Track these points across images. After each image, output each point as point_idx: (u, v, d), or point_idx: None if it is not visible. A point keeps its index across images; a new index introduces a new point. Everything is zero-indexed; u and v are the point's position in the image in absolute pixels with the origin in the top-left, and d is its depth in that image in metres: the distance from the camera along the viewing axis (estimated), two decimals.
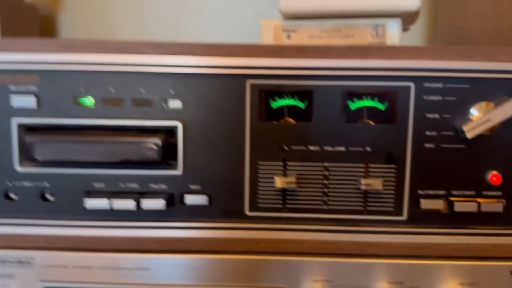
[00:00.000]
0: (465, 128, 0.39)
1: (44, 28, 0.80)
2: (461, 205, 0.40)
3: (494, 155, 0.40)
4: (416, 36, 0.81)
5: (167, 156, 0.39)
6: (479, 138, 0.39)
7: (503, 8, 0.52)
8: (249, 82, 0.39)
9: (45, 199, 0.41)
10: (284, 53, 0.39)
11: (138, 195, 0.40)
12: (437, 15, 0.75)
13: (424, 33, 0.80)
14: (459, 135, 0.40)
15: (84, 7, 0.81)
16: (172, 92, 0.40)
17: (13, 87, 0.40)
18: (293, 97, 0.40)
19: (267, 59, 0.39)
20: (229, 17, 0.81)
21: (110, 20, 0.81)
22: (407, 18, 0.42)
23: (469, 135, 0.39)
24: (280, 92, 0.40)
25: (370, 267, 0.41)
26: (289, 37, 0.42)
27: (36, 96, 0.40)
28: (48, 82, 0.39)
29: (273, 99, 0.40)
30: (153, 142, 0.38)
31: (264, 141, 0.40)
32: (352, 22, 0.41)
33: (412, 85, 0.39)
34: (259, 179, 0.41)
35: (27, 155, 0.40)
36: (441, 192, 0.41)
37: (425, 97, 0.39)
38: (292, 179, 0.40)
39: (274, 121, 0.40)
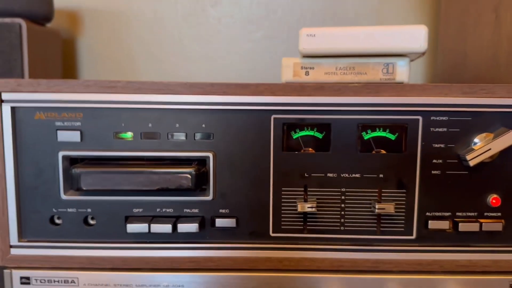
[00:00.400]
0: (468, 157, 0.43)
1: (65, 50, 0.84)
2: (464, 225, 0.45)
3: (494, 180, 0.45)
4: (419, 69, 0.85)
5: (199, 183, 0.44)
6: (480, 165, 0.44)
7: (500, 39, 0.57)
8: (273, 117, 0.44)
9: (88, 224, 0.45)
10: (304, 92, 0.43)
11: (173, 219, 0.44)
12: (437, 41, 0.80)
13: (427, 60, 0.85)
14: (462, 162, 0.44)
15: (102, 31, 0.85)
16: (204, 126, 0.44)
17: (59, 123, 0.44)
18: (312, 129, 0.44)
19: (290, 97, 0.43)
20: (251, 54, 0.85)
21: (126, 43, 0.85)
22: (414, 56, 0.46)
23: (472, 163, 0.43)
24: (301, 125, 0.44)
25: (383, 282, 0.45)
26: (307, 73, 0.46)
27: (80, 131, 0.44)
28: (91, 118, 0.44)
29: (295, 131, 0.44)
30: (187, 172, 0.43)
31: (286, 169, 0.45)
32: (365, 60, 0.45)
33: (420, 118, 0.44)
34: (282, 204, 0.45)
35: (71, 184, 0.44)
36: (447, 214, 0.45)
37: (432, 129, 0.44)
38: (312, 203, 0.44)
39: (295, 151, 0.44)
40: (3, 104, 0.43)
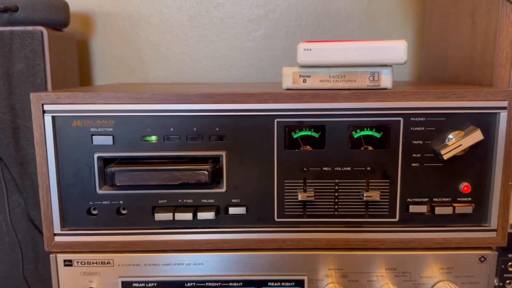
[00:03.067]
0: (442, 151, 0.51)
1: (80, 51, 0.91)
2: (440, 209, 0.53)
3: (465, 170, 0.52)
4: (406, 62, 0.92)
5: (214, 178, 0.51)
6: (453, 158, 0.51)
7: (476, 43, 0.64)
8: (276, 120, 0.51)
9: (120, 213, 0.53)
10: (303, 99, 0.50)
11: (193, 208, 0.52)
12: (423, 41, 0.87)
13: (413, 55, 0.92)
14: (438, 156, 0.52)
15: (114, 33, 0.92)
16: (217, 129, 0.51)
17: (94, 129, 0.51)
18: (310, 130, 0.52)
19: (290, 104, 0.50)
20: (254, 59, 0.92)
21: (136, 44, 0.92)
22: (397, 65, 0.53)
23: (445, 157, 0.51)
24: (300, 127, 0.52)
25: (371, 258, 0.54)
26: (304, 81, 0.54)
27: (112, 135, 0.51)
28: (121, 124, 0.51)
29: (295, 132, 0.52)
30: (205, 169, 0.50)
31: (288, 165, 0.52)
32: (354, 70, 0.52)
33: (401, 119, 0.51)
34: (285, 193, 0.53)
35: (106, 181, 0.51)
36: (425, 199, 0.53)
37: (412, 128, 0.51)
38: (310, 193, 0.52)
39: (296, 149, 0.52)
40: (45, 115, 0.50)
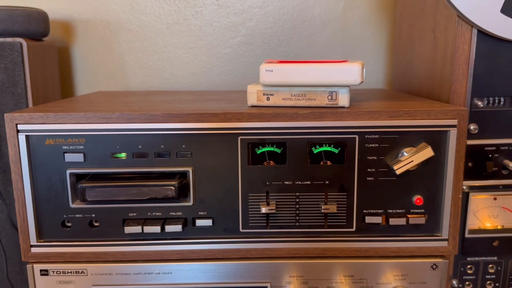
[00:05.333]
0: (395, 167, 0.54)
1: (61, 58, 0.93)
2: (394, 220, 0.56)
3: (417, 184, 0.56)
4: (379, 69, 0.95)
5: (181, 193, 0.54)
6: (407, 172, 0.55)
7: (436, 57, 0.67)
8: (240, 138, 0.54)
9: (93, 226, 0.56)
10: (264, 118, 0.53)
11: (162, 221, 0.55)
12: (393, 50, 0.89)
13: (386, 62, 0.95)
14: (391, 171, 0.55)
15: (94, 40, 0.94)
16: (184, 146, 0.54)
17: (65, 147, 0.54)
18: (272, 146, 0.55)
19: (252, 123, 0.53)
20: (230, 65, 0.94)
21: (116, 50, 0.94)
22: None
23: (398, 172, 0.54)
24: (263, 143, 0.55)
25: (330, 266, 0.57)
26: (268, 99, 0.56)
27: (83, 153, 0.54)
28: (91, 142, 0.54)
29: (258, 148, 0.55)
30: (171, 185, 0.53)
31: (252, 179, 0.55)
32: (314, 89, 0.55)
33: (356, 136, 0.54)
34: (249, 206, 0.56)
35: (78, 196, 0.54)
36: (380, 211, 0.56)
37: (366, 145, 0.55)
38: (273, 206, 0.55)
39: (259, 164, 0.55)
40: (19, 134, 0.53)
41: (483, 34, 0.60)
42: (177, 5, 0.92)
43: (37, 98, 0.78)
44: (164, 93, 0.82)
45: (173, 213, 0.56)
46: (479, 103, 0.62)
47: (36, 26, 0.80)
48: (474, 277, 0.70)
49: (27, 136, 0.53)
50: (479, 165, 0.63)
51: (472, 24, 0.59)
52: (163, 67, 0.95)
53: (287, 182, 0.56)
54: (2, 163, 0.76)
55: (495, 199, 0.67)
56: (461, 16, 0.59)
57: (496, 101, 0.62)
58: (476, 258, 0.69)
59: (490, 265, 0.69)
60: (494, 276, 0.70)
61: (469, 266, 0.69)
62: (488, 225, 0.68)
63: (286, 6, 0.93)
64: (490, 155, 0.64)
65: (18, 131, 0.53)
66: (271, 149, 0.55)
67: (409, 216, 0.56)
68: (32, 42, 0.78)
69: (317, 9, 0.93)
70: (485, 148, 0.64)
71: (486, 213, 0.68)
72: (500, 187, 0.66)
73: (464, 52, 0.60)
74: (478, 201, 0.67)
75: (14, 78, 0.76)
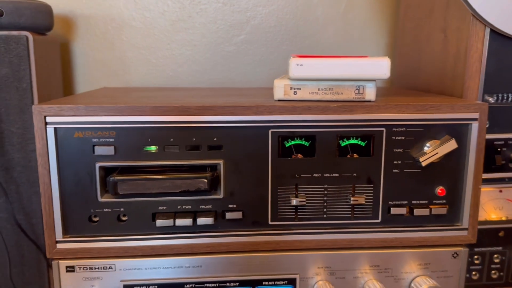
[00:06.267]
0: (421, 159, 0.56)
1: (62, 54, 0.91)
2: (418, 211, 0.58)
3: (440, 175, 0.58)
4: None
5: (213, 185, 0.54)
6: (430, 164, 0.57)
7: (448, 57, 0.69)
8: (270, 131, 0.55)
9: (121, 220, 0.56)
10: (296, 111, 0.54)
11: (193, 214, 0.55)
12: (395, 50, 0.92)
13: None
14: (416, 163, 0.57)
15: (96, 36, 0.92)
16: (215, 139, 0.54)
17: (95, 140, 0.53)
18: (301, 139, 0.56)
19: (284, 116, 0.54)
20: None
21: (118, 47, 0.93)
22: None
23: (423, 164, 0.56)
24: (292, 136, 0.55)
25: (357, 256, 0.58)
26: (295, 93, 0.57)
27: (113, 146, 0.53)
28: (122, 135, 0.53)
29: (287, 141, 0.56)
30: (204, 177, 0.53)
31: (281, 172, 0.56)
32: (341, 83, 0.56)
33: (384, 129, 0.56)
34: (278, 199, 0.57)
35: (108, 190, 0.53)
36: (405, 202, 0.58)
37: (393, 138, 0.56)
38: (302, 198, 0.56)
39: (288, 157, 0.56)
40: (48, 126, 0.52)
41: (495, 33, 0.63)
42: (182, 2, 0.92)
43: (41, 94, 0.76)
44: (179, 89, 0.82)
45: (203, 206, 0.56)
46: (490, 99, 0.65)
47: (41, 20, 0.78)
48: (480, 267, 0.73)
49: (55, 129, 0.52)
50: (487, 158, 0.66)
51: (486, 24, 0.62)
52: (166, 64, 0.95)
53: (316, 175, 0.57)
54: (4, 160, 0.73)
55: (500, 191, 0.71)
56: (476, 16, 0.61)
57: (505, 97, 0.65)
58: (483, 249, 0.72)
59: (495, 255, 0.73)
60: (499, 266, 0.73)
61: (476, 257, 0.72)
62: (494, 216, 0.71)
63: (290, 5, 0.94)
64: (499, 149, 0.67)
65: (46, 123, 0.52)
66: (300, 142, 0.56)
67: (431, 207, 0.58)
68: (37, 36, 0.76)
69: (320, 9, 0.94)
70: (495, 142, 0.67)
71: (492, 205, 0.71)
72: (506, 179, 0.70)
73: (478, 50, 0.63)
74: (484, 193, 0.70)
75: (19, 72, 0.74)
